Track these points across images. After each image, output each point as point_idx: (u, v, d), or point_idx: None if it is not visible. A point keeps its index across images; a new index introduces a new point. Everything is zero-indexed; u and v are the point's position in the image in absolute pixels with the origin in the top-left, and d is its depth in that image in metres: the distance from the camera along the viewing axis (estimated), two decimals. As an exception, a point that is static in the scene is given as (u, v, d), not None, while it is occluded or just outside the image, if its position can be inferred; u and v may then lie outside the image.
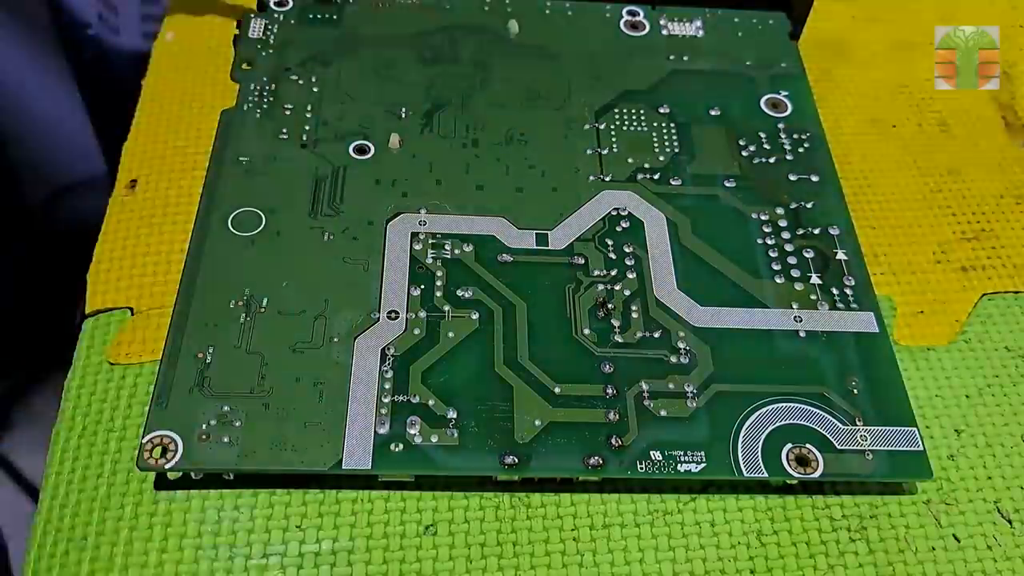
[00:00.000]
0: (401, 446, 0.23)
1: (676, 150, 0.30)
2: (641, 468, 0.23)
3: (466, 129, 0.30)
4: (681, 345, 0.25)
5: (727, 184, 0.29)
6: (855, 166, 0.32)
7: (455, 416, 0.23)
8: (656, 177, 0.30)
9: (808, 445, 0.24)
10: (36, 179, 0.91)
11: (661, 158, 0.30)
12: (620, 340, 0.25)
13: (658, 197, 0.29)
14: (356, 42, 0.33)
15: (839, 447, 0.24)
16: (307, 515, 0.23)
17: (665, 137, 0.31)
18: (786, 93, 0.32)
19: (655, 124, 0.31)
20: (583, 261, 0.27)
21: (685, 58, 0.34)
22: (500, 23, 0.34)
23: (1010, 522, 0.24)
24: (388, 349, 0.25)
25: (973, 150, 0.33)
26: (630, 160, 0.30)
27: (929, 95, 0.34)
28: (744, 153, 0.30)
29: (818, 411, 0.24)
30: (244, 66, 0.32)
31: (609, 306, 0.26)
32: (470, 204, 0.28)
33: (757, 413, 0.24)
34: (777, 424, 0.24)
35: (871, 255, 0.29)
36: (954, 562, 0.23)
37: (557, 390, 0.24)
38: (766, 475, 0.23)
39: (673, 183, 0.29)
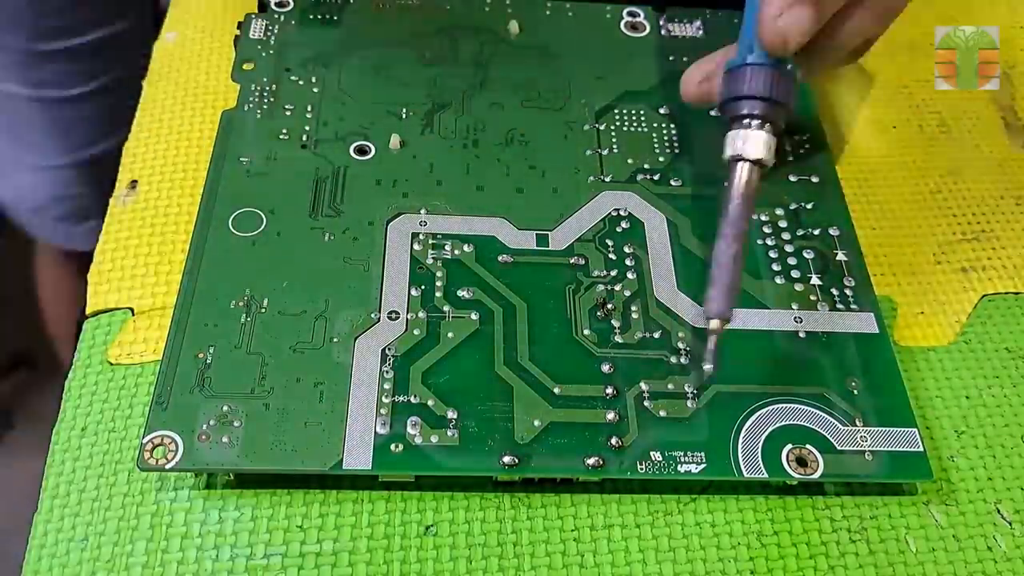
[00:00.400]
0: (401, 446, 0.23)
1: (676, 151, 0.30)
2: (641, 469, 0.23)
3: (466, 130, 0.31)
4: (681, 346, 0.25)
5: (727, 185, 0.29)
6: (855, 167, 0.32)
7: (455, 416, 0.23)
8: (656, 178, 0.30)
9: (808, 446, 0.24)
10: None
11: (661, 159, 0.30)
12: (620, 340, 0.25)
13: (658, 198, 0.29)
14: (356, 43, 0.33)
15: (839, 448, 0.24)
16: (307, 515, 0.23)
17: (665, 138, 0.31)
18: (786, 94, 0.32)
19: (655, 125, 0.31)
20: (583, 262, 0.27)
21: (685, 59, 0.34)
22: (500, 23, 0.34)
23: (1010, 523, 0.24)
24: (388, 349, 0.25)
25: (973, 151, 0.33)
26: (630, 161, 0.30)
27: (929, 96, 0.34)
28: (744, 154, 0.30)
29: (818, 412, 0.24)
30: (245, 66, 0.32)
31: (609, 306, 0.26)
32: (470, 205, 0.28)
33: (757, 414, 0.24)
34: (777, 425, 0.24)
35: (871, 256, 0.29)
36: (954, 563, 0.23)
37: (557, 390, 0.24)
38: (766, 476, 0.23)
39: (673, 184, 0.29)
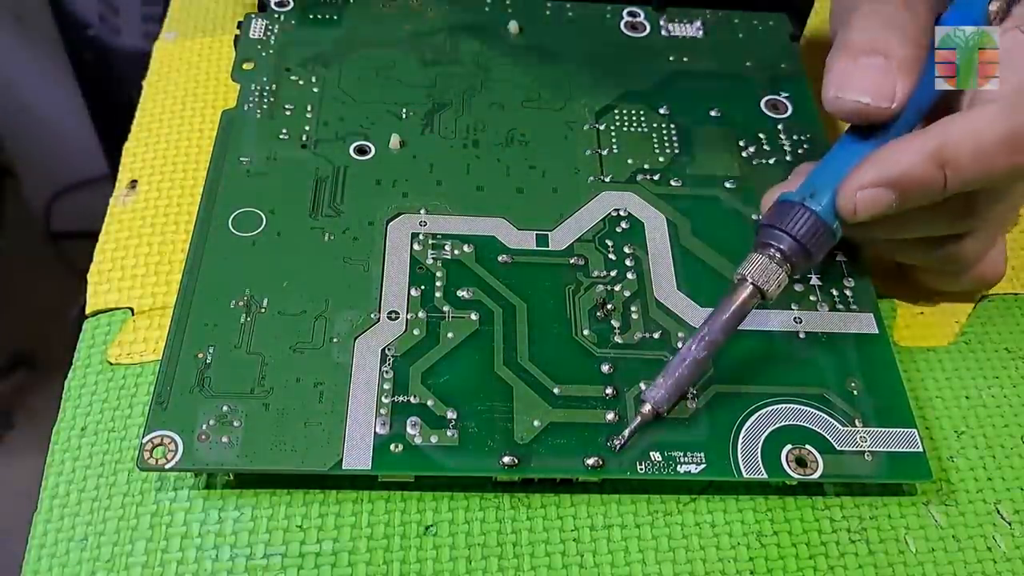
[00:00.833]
0: (401, 447, 0.23)
1: (676, 151, 0.30)
2: (641, 469, 0.23)
3: (466, 130, 0.31)
4: (681, 346, 0.25)
5: (727, 185, 0.29)
6: (855, 167, 0.32)
7: (455, 417, 0.23)
8: (656, 178, 0.30)
9: (808, 446, 0.24)
10: (37, 180, 0.91)
11: (661, 159, 0.30)
12: (620, 341, 0.25)
13: (658, 198, 0.29)
14: (356, 42, 0.33)
15: (839, 448, 0.24)
16: (307, 515, 0.23)
17: (665, 138, 0.31)
18: (786, 94, 0.32)
19: (655, 125, 0.31)
20: (583, 262, 0.27)
21: (685, 59, 0.34)
22: (500, 23, 0.34)
23: (1010, 524, 0.24)
24: (388, 350, 0.25)
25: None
26: (630, 161, 0.30)
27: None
28: (744, 154, 0.30)
29: (818, 412, 0.24)
30: (244, 66, 0.32)
31: (609, 307, 0.26)
32: (470, 205, 0.28)
33: (757, 414, 0.24)
34: (777, 425, 0.24)
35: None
36: (954, 563, 0.23)
37: (557, 391, 0.24)
38: (766, 476, 0.23)
39: (673, 184, 0.29)
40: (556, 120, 0.31)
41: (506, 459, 0.23)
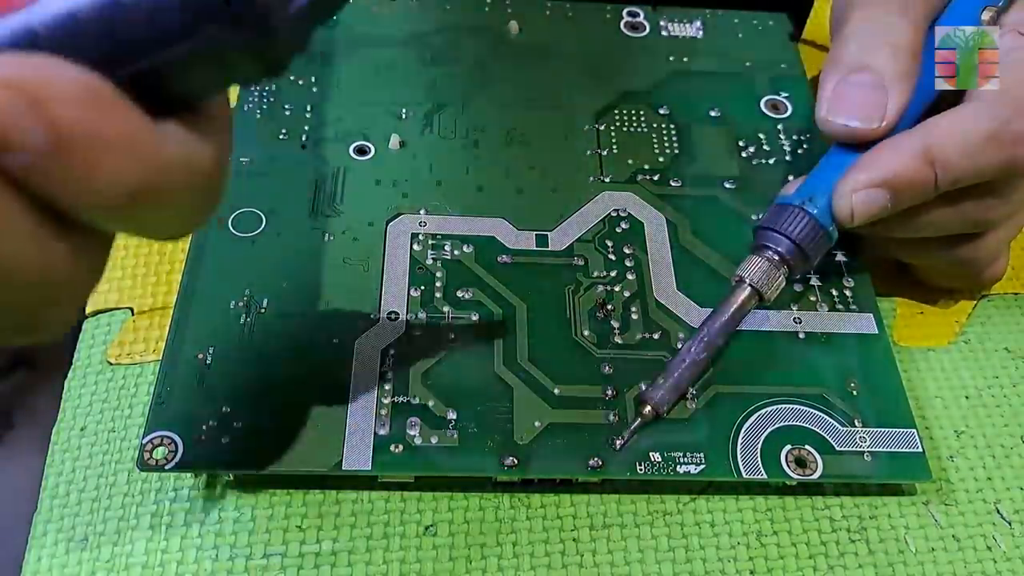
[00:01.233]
0: (401, 447, 0.23)
1: (676, 151, 0.30)
2: (641, 469, 0.23)
3: (466, 130, 0.31)
4: (680, 346, 0.25)
5: (727, 185, 0.29)
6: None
7: (455, 417, 0.23)
8: (656, 178, 0.30)
9: (807, 446, 0.24)
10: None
11: (661, 159, 0.30)
12: (620, 341, 0.25)
13: (658, 198, 0.29)
14: (356, 42, 0.33)
15: (838, 448, 0.24)
16: (307, 515, 0.23)
17: (665, 138, 0.31)
18: (786, 94, 0.32)
19: (655, 125, 0.31)
20: (583, 262, 0.27)
21: (685, 59, 0.34)
22: (500, 24, 0.34)
23: (1009, 523, 0.24)
24: (388, 350, 0.25)
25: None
26: (630, 161, 0.30)
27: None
28: (744, 154, 0.30)
29: (817, 412, 0.24)
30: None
31: (609, 307, 0.26)
32: (470, 205, 0.28)
33: (756, 415, 0.24)
34: (776, 425, 0.24)
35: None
36: (954, 563, 0.23)
37: (557, 391, 0.24)
38: (765, 476, 0.23)
39: (673, 184, 0.29)
40: (556, 120, 0.31)
41: (506, 459, 0.23)
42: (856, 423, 0.24)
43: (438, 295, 0.26)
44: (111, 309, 0.27)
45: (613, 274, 0.27)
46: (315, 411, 0.23)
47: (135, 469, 0.22)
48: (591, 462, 0.23)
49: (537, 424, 0.23)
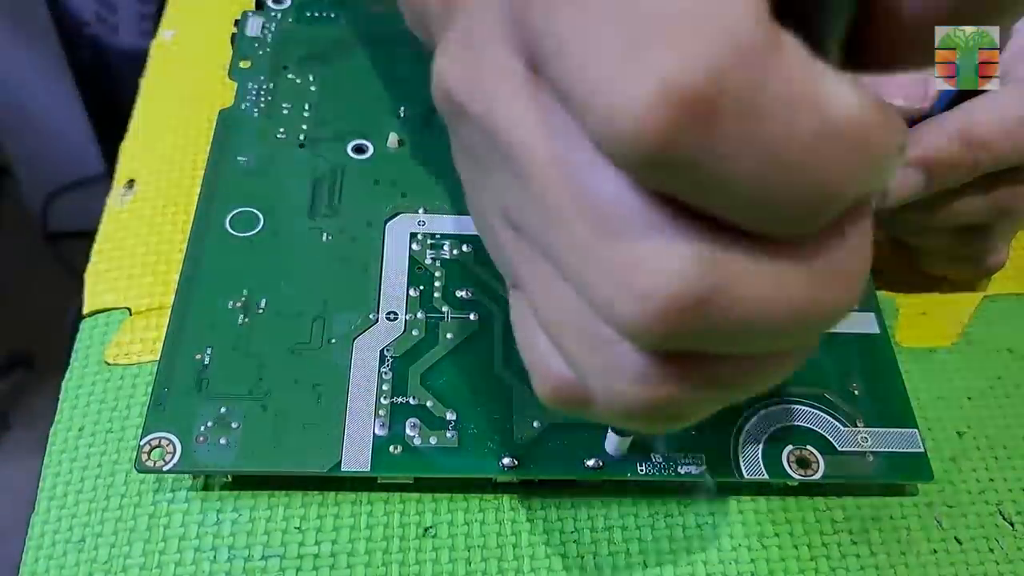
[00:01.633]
0: (400, 448, 0.23)
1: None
2: (641, 470, 0.23)
3: (465, 129, 0.30)
4: None
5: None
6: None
7: (454, 418, 0.23)
8: (656, 177, 0.29)
9: (809, 447, 0.23)
10: (34, 179, 0.91)
11: (661, 158, 0.30)
12: (620, 341, 0.25)
13: (658, 197, 0.29)
14: (354, 41, 0.33)
15: (840, 449, 0.23)
16: (306, 517, 0.23)
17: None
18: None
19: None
20: (583, 262, 0.27)
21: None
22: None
23: (1012, 524, 0.24)
24: (387, 350, 0.24)
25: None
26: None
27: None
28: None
29: (819, 412, 0.24)
30: (242, 64, 0.31)
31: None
32: (469, 204, 0.28)
33: (758, 415, 0.24)
34: (778, 426, 0.24)
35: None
36: (956, 564, 0.23)
37: (557, 391, 0.24)
38: (767, 477, 0.23)
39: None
40: (555, 119, 0.31)
41: (506, 460, 0.23)
42: (858, 423, 0.24)
43: (437, 295, 0.26)
44: (108, 309, 0.27)
45: (613, 274, 0.27)
46: (314, 412, 0.23)
47: (133, 470, 0.22)
48: (591, 463, 0.23)
49: (537, 425, 0.23)
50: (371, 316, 0.25)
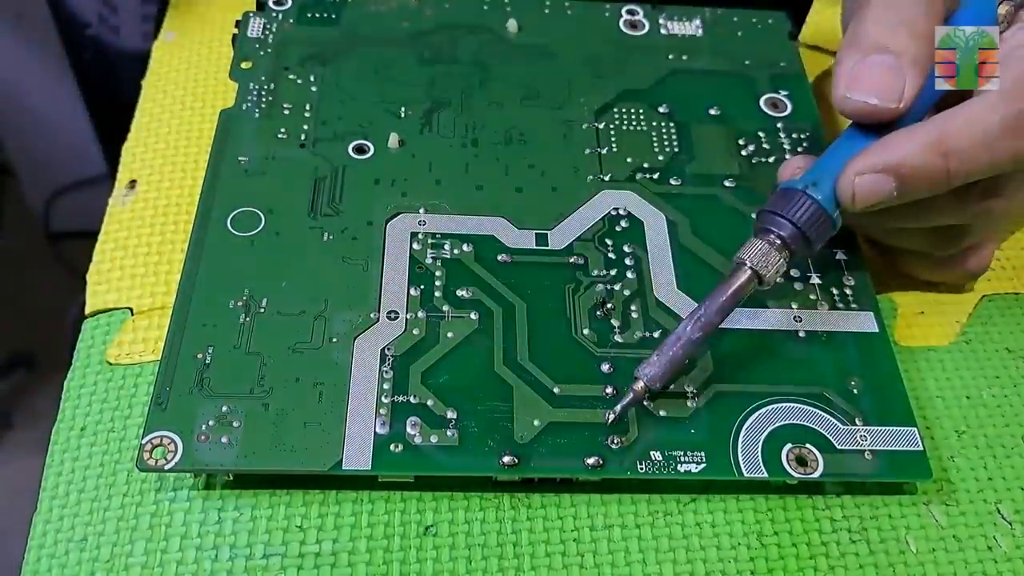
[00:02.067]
0: (401, 447, 0.23)
1: (676, 150, 0.30)
2: (641, 468, 0.23)
3: (465, 129, 0.30)
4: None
5: (727, 184, 0.29)
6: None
7: (455, 416, 0.23)
8: (656, 177, 0.29)
9: (808, 445, 0.23)
10: (36, 179, 0.91)
11: (660, 158, 0.30)
12: (620, 340, 0.25)
13: (658, 197, 0.29)
14: (355, 41, 0.33)
15: (839, 447, 0.24)
16: (307, 515, 0.23)
17: (664, 137, 0.31)
18: (786, 93, 0.32)
19: (654, 124, 0.31)
20: (583, 261, 0.27)
21: (684, 57, 0.34)
22: (499, 22, 0.34)
23: (1010, 523, 0.24)
24: (387, 349, 0.25)
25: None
26: (629, 160, 0.30)
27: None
28: (744, 153, 0.30)
29: (818, 411, 0.24)
30: (243, 65, 0.32)
31: (608, 306, 0.26)
32: (469, 204, 0.28)
33: (757, 413, 0.24)
34: (777, 424, 0.24)
35: (872, 258, 0.29)
36: (955, 563, 0.23)
37: (557, 390, 0.24)
38: (766, 475, 0.23)
39: (673, 183, 0.29)
40: (555, 119, 0.31)
41: (506, 459, 0.23)
42: (857, 422, 0.24)
43: (437, 294, 0.26)
44: (110, 309, 0.27)
45: (613, 273, 0.27)
46: (315, 411, 0.23)
47: (134, 469, 0.22)
48: (591, 461, 0.23)
49: (537, 423, 0.23)
50: (372, 315, 0.25)
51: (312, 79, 0.31)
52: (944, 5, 0.25)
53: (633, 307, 0.26)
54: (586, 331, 0.25)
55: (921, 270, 0.28)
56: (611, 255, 0.27)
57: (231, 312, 0.25)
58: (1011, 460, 0.25)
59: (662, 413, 0.24)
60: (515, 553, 0.22)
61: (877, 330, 0.26)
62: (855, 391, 0.25)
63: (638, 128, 0.31)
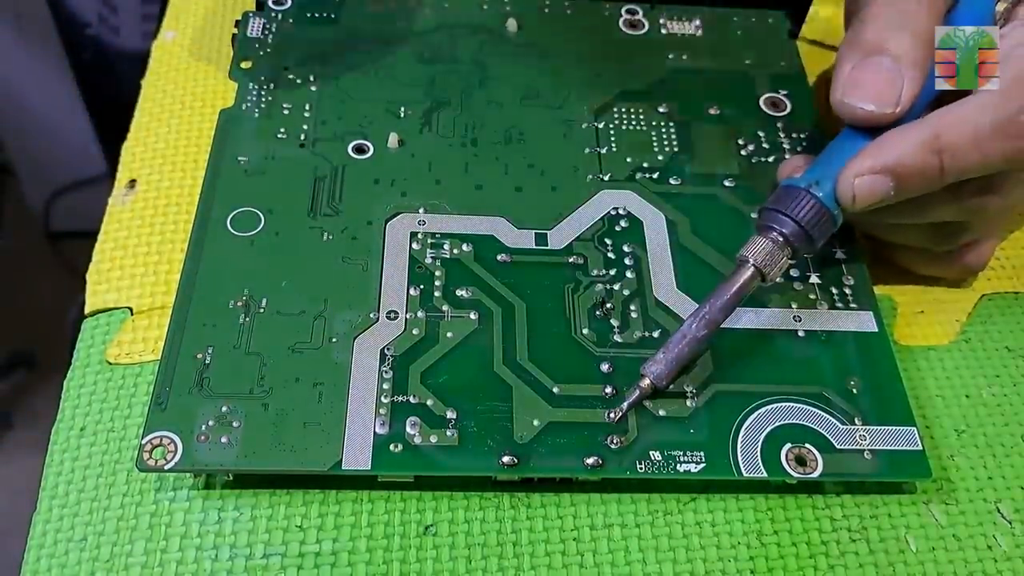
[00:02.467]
0: (400, 446, 0.23)
1: (675, 149, 0.30)
2: (641, 468, 0.23)
3: (465, 128, 0.30)
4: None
5: (726, 183, 0.29)
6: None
7: (454, 416, 0.23)
8: (655, 176, 0.29)
9: (807, 445, 0.24)
10: (36, 179, 0.91)
11: (660, 157, 0.30)
12: (619, 340, 0.25)
13: (657, 196, 0.29)
14: (355, 41, 0.33)
15: (838, 447, 0.24)
16: (307, 515, 0.23)
17: (664, 136, 0.31)
18: (785, 92, 0.32)
19: (654, 123, 0.31)
20: (582, 261, 0.27)
21: (684, 57, 0.34)
22: (498, 21, 0.34)
23: (1010, 522, 0.24)
24: (387, 349, 0.25)
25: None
26: (629, 159, 0.30)
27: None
28: (743, 152, 0.30)
29: (817, 411, 0.24)
30: (242, 65, 0.32)
31: (608, 306, 0.26)
32: (469, 204, 0.28)
33: (756, 413, 0.24)
34: (776, 424, 0.24)
35: (871, 254, 0.29)
36: (954, 562, 0.23)
37: (556, 390, 0.24)
38: (765, 475, 0.23)
39: (672, 182, 0.29)
40: (555, 118, 0.31)
41: (506, 459, 0.23)
42: (856, 421, 0.24)
43: (437, 294, 0.26)
44: (110, 309, 0.27)
45: (612, 272, 0.27)
46: (314, 411, 0.23)
47: (134, 469, 0.22)
48: (591, 461, 0.23)
49: (536, 423, 0.23)
50: (371, 315, 0.25)
51: (312, 79, 0.31)
52: (945, 5, 0.25)
53: (632, 307, 0.26)
54: (585, 331, 0.25)
55: (920, 265, 0.28)
56: (611, 255, 0.27)
57: (231, 312, 0.25)
58: (1011, 459, 0.25)
59: (662, 413, 0.24)
60: (515, 553, 0.23)
61: (876, 329, 0.26)
62: (854, 391, 0.25)
63: (638, 128, 0.31)
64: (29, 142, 0.87)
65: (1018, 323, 0.28)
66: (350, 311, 0.25)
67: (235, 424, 0.23)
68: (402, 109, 0.31)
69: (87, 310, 0.27)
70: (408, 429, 0.23)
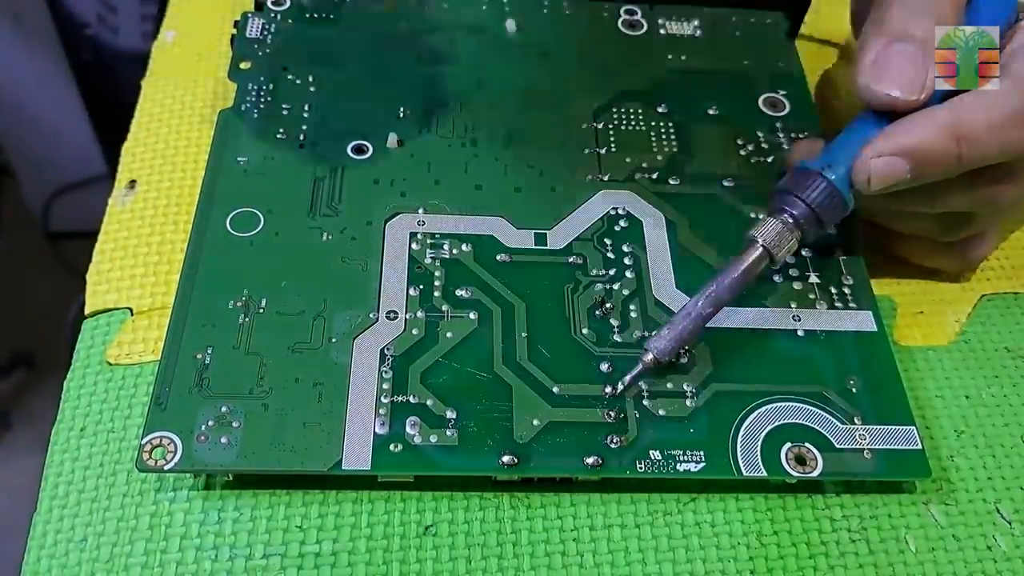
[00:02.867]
0: (400, 446, 0.23)
1: (674, 149, 0.30)
2: (640, 468, 0.23)
3: (464, 129, 0.30)
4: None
5: (725, 183, 0.29)
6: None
7: (454, 416, 0.23)
8: (654, 176, 0.30)
9: (807, 444, 0.24)
10: (36, 179, 0.91)
11: (659, 158, 0.30)
12: (619, 339, 0.25)
13: (656, 196, 0.29)
14: (354, 41, 0.33)
15: (838, 446, 0.24)
16: (307, 515, 0.23)
17: (663, 136, 0.31)
18: (784, 92, 0.32)
19: (653, 124, 0.31)
20: (582, 261, 0.27)
21: (683, 57, 0.34)
22: (498, 22, 0.34)
23: (1010, 523, 0.24)
24: (387, 349, 0.25)
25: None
26: (628, 160, 0.30)
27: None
28: (742, 152, 0.30)
29: (817, 410, 0.24)
30: (242, 66, 0.32)
31: (607, 305, 0.26)
32: (469, 204, 0.28)
33: (756, 412, 0.24)
34: (776, 423, 0.24)
35: (870, 254, 0.29)
36: (954, 563, 0.23)
37: (556, 390, 0.24)
38: (765, 474, 0.23)
39: (671, 183, 0.29)
40: (554, 119, 0.31)
41: (505, 458, 0.23)
42: (855, 420, 0.24)
43: (437, 294, 0.26)
44: (110, 309, 0.27)
45: (612, 272, 0.27)
46: (314, 411, 0.23)
47: (134, 470, 0.22)
48: (590, 461, 0.23)
49: (536, 423, 0.23)
50: (371, 315, 0.25)
51: (311, 79, 0.31)
52: None
53: (632, 307, 0.26)
54: (585, 331, 0.25)
55: (921, 255, 0.28)
56: (610, 255, 0.27)
57: (230, 312, 0.25)
58: (1010, 460, 0.25)
59: (661, 412, 0.24)
60: (515, 553, 0.23)
61: (876, 329, 0.26)
62: (854, 390, 0.25)
63: (637, 128, 0.31)
64: (29, 142, 0.87)
65: (1018, 323, 0.28)
66: (350, 311, 0.25)
67: (235, 424, 0.23)
68: (401, 109, 0.31)
69: (87, 311, 0.27)
70: (408, 429, 0.23)
